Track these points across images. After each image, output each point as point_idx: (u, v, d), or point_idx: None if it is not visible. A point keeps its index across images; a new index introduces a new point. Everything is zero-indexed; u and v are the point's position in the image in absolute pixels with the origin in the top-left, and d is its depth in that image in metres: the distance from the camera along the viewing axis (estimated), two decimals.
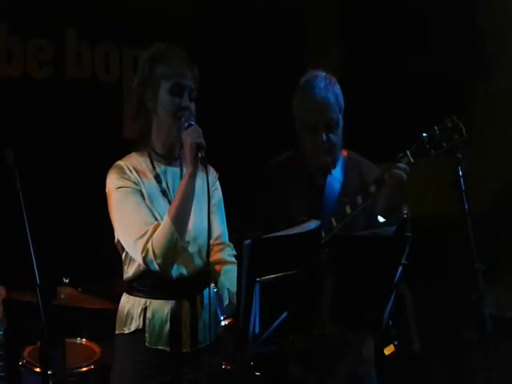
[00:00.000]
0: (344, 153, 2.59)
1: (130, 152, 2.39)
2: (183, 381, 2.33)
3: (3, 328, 2.64)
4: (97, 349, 3.23)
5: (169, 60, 2.30)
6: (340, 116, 2.49)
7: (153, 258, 2.21)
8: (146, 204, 2.28)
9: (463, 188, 2.24)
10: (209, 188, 2.21)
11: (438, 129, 2.32)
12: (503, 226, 3.73)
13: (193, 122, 2.26)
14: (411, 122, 3.82)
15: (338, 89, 2.50)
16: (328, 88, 2.47)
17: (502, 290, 3.57)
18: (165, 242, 2.20)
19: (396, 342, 2.22)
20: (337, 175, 2.55)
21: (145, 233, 2.22)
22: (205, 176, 2.23)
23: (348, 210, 2.40)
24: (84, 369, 3.12)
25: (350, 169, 2.57)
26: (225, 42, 4.06)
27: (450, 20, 4.08)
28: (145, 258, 2.22)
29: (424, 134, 2.33)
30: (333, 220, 2.40)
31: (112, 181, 2.30)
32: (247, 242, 1.94)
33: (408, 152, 2.34)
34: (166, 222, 2.22)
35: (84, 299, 3.19)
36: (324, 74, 2.51)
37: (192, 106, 2.31)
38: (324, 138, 2.45)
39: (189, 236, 2.28)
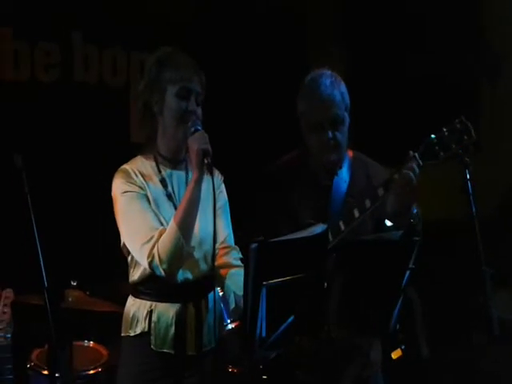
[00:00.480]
0: (350, 153, 2.57)
1: (136, 155, 2.40)
2: (187, 383, 2.33)
3: (11, 331, 2.64)
4: (104, 351, 3.24)
5: (176, 64, 2.30)
6: (346, 114, 2.47)
7: (159, 263, 2.21)
8: (152, 208, 2.28)
9: (471, 191, 2.22)
10: (214, 192, 2.21)
11: (447, 130, 2.29)
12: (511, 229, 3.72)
13: (199, 127, 2.26)
14: (414, 124, 3.83)
15: (343, 87, 2.48)
16: (334, 85, 2.45)
17: (510, 293, 3.55)
18: (170, 247, 2.20)
19: (403, 346, 2.21)
20: (343, 176, 2.53)
21: (150, 238, 2.23)
22: (210, 180, 2.23)
23: (356, 213, 2.38)
24: (91, 371, 3.12)
25: (357, 169, 2.55)
26: (225, 42, 4.05)
27: (454, 20, 4.07)
28: (151, 263, 2.22)
29: (432, 136, 2.30)
30: (341, 223, 2.39)
31: (118, 185, 2.31)
32: (254, 245, 1.93)
33: (416, 154, 2.31)
34: (171, 227, 2.22)
35: (92, 302, 3.19)
36: (329, 72, 2.49)
37: (199, 110, 2.32)
38: (330, 135, 2.43)
39: (194, 241, 2.28)
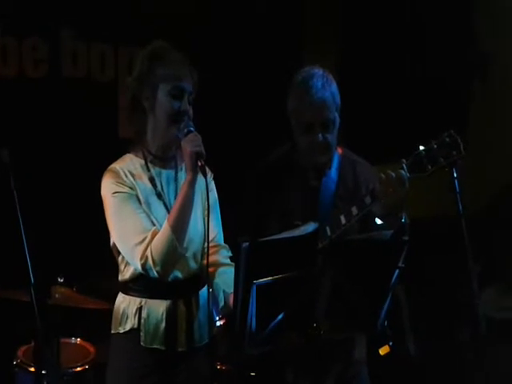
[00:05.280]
0: (339, 150, 2.56)
1: (124, 151, 2.37)
2: (178, 380, 2.33)
3: None
4: (91, 348, 3.22)
5: (169, 61, 2.27)
6: (336, 114, 2.46)
7: (152, 265, 2.20)
8: (143, 209, 2.27)
9: (458, 190, 2.23)
10: (208, 193, 2.20)
11: (436, 143, 2.25)
12: (499, 227, 3.73)
13: (192, 129, 2.24)
14: (409, 124, 3.84)
15: (334, 86, 2.46)
16: (325, 87, 2.42)
17: (496, 292, 3.58)
18: (164, 249, 2.19)
19: (391, 343, 2.22)
20: (332, 176, 2.52)
21: (143, 239, 2.22)
22: (201, 179, 2.22)
23: (343, 220, 2.37)
24: (78, 369, 3.10)
25: (345, 169, 2.54)
26: (224, 41, 4.04)
27: (448, 21, 4.09)
28: (144, 265, 2.21)
29: (421, 147, 2.27)
30: (327, 229, 2.38)
31: (107, 185, 2.28)
32: (245, 245, 1.93)
33: (404, 165, 2.28)
34: (165, 229, 2.21)
35: (78, 299, 3.18)
36: (321, 71, 2.46)
37: (190, 110, 2.29)
38: (320, 137, 2.42)
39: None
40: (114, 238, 2.31)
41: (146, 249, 2.20)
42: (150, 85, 2.26)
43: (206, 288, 2.36)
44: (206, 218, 2.22)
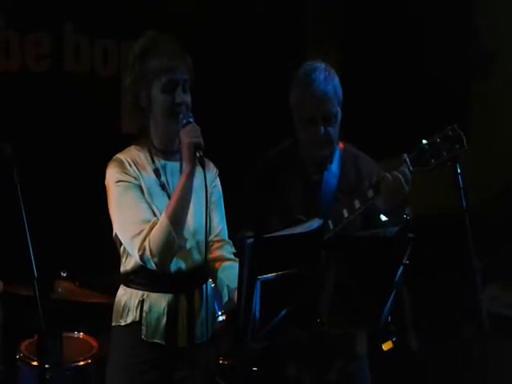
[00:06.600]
0: (341, 145, 2.57)
1: (128, 145, 2.38)
2: (179, 375, 2.32)
3: (0, 322, 2.63)
4: (94, 343, 3.22)
5: (160, 53, 2.26)
6: (338, 109, 2.47)
7: (150, 256, 2.20)
8: (145, 199, 2.27)
9: (461, 186, 2.24)
10: (206, 185, 2.19)
11: (439, 137, 2.27)
12: (502, 224, 3.74)
13: (191, 119, 2.24)
14: (409, 124, 3.84)
15: (336, 81, 2.47)
16: (327, 80, 2.43)
17: (500, 288, 3.59)
18: (161, 240, 2.19)
19: (394, 338, 2.23)
20: (333, 170, 2.53)
21: (142, 230, 2.21)
22: (203, 173, 2.21)
23: (345, 213, 2.38)
24: (81, 363, 3.10)
25: (347, 163, 2.55)
26: (224, 41, 4.04)
27: (448, 20, 4.09)
28: (142, 256, 2.21)
29: (424, 141, 2.28)
30: (330, 222, 2.39)
31: (112, 175, 2.29)
32: (249, 241, 1.93)
33: (407, 159, 2.29)
34: (163, 220, 2.21)
35: (81, 293, 3.18)
36: (323, 65, 2.47)
37: (187, 98, 2.29)
38: (322, 130, 2.43)
39: (188, 231, 2.27)
40: (116, 228, 2.31)
41: (144, 240, 2.20)
42: (145, 84, 2.26)
43: (209, 283, 2.36)
44: (206, 211, 2.21)
